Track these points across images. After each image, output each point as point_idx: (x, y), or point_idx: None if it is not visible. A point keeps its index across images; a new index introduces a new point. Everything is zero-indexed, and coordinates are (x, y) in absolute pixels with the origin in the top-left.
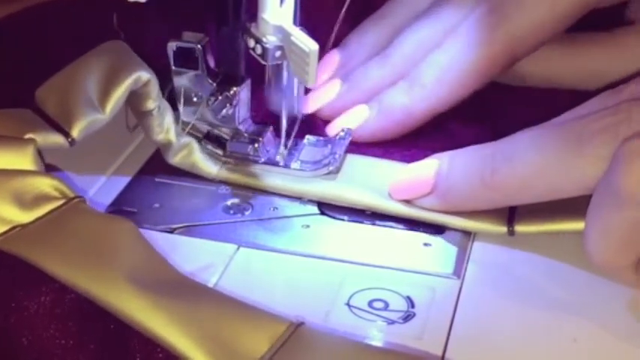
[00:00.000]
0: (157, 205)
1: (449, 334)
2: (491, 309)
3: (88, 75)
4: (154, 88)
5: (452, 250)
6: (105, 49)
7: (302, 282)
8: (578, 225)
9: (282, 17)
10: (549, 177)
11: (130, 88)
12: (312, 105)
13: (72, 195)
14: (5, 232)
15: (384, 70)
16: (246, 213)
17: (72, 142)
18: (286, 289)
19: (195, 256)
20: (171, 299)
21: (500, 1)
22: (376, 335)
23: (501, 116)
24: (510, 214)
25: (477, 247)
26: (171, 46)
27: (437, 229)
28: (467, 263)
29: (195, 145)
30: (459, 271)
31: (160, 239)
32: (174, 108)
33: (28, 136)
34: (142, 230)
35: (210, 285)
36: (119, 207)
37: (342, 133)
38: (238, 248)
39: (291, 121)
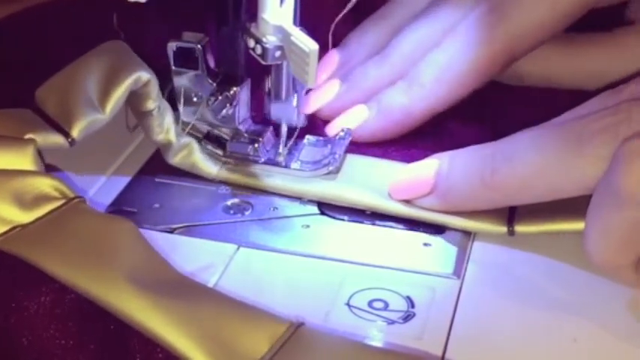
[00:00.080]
0: (157, 205)
1: (449, 334)
2: (491, 309)
3: (88, 75)
4: (154, 88)
5: (452, 250)
6: (105, 49)
7: (302, 282)
8: (578, 225)
9: (282, 17)
10: (549, 177)
11: (130, 88)
12: (311, 105)
13: (72, 195)
14: (5, 233)
15: (382, 70)
16: (246, 213)
17: (72, 142)
18: (286, 289)
19: (195, 256)
20: (171, 299)
21: (499, 0)
22: (376, 335)
23: (501, 116)
24: (510, 214)
25: (477, 247)
26: (171, 46)
27: (437, 229)
28: (467, 263)
29: (195, 145)
30: (459, 271)
31: (159, 239)
32: (175, 108)
33: (28, 136)
34: (142, 230)
35: (210, 285)
36: (119, 207)
37: (341, 133)
38: (238, 248)
39: (292, 128)
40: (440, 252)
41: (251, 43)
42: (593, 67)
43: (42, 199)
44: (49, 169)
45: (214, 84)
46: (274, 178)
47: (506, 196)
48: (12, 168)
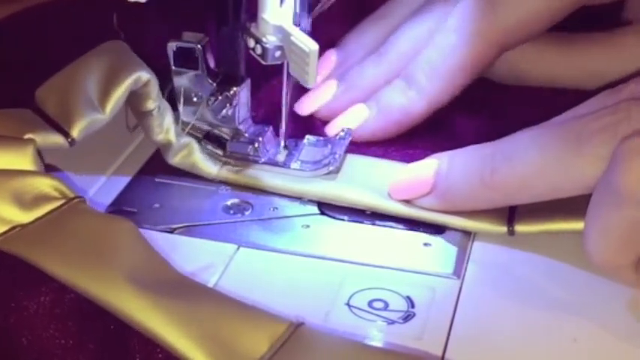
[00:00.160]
0: (157, 205)
1: (449, 334)
2: (491, 309)
3: (88, 75)
4: (154, 88)
5: (452, 250)
6: (105, 49)
7: (302, 282)
8: (578, 225)
9: (282, 17)
10: (549, 176)
11: (129, 88)
12: (309, 106)
13: (72, 195)
14: (5, 232)
15: (380, 69)
16: (246, 213)
17: (72, 142)
18: (286, 289)
19: (195, 256)
20: (171, 299)
21: None
22: (376, 335)
23: (501, 116)
24: (510, 214)
25: (477, 247)
26: (171, 46)
27: (437, 229)
28: (467, 263)
29: (195, 145)
30: (459, 271)
31: (159, 239)
32: (174, 108)
33: (27, 136)
34: (141, 230)
35: (210, 285)
36: (119, 207)
37: (342, 133)
38: (238, 248)
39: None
40: (440, 252)
41: (251, 43)
42: (592, 67)
43: (42, 199)
44: (49, 169)
45: (214, 84)
46: (274, 178)
47: (505, 196)
48: (12, 168)
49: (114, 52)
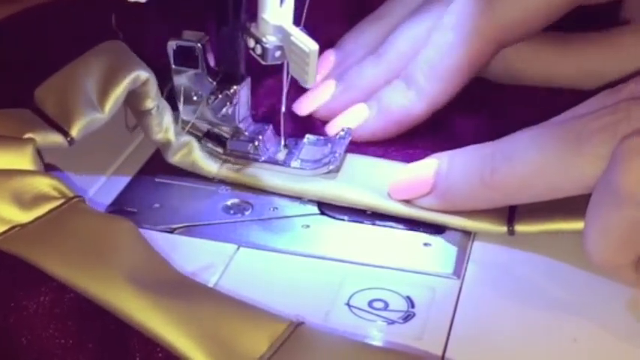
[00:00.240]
0: (157, 205)
1: (449, 334)
2: (491, 309)
3: (87, 74)
4: (153, 87)
5: (452, 250)
6: (103, 49)
7: (302, 282)
8: (577, 224)
9: (282, 17)
10: (549, 176)
11: (128, 87)
12: (308, 106)
13: (71, 195)
14: (4, 232)
15: (379, 69)
16: (246, 213)
17: (71, 142)
18: (286, 289)
19: (195, 256)
20: (170, 299)
21: None
22: (376, 335)
23: (501, 116)
24: (510, 214)
25: (477, 247)
26: (172, 44)
27: (437, 229)
28: (467, 263)
29: (194, 143)
30: (459, 271)
31: (160, 239)
32: (174, 108)
33: (27, 135)
34: (142, 230)
35: (210, 285)
36: (119, 207)
37: (342, 133)
38: (238, 248)
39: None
40: (440, 252)
41: (251, 43)
42: (589, 67)
43: (41, 198)
44: (49, 169)
45: (214, 83)
46: (274, 178)
47: (505, 196)
48: (11, 168)
49: (112, 51)
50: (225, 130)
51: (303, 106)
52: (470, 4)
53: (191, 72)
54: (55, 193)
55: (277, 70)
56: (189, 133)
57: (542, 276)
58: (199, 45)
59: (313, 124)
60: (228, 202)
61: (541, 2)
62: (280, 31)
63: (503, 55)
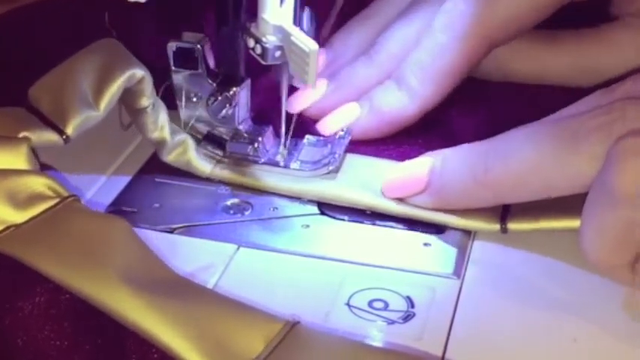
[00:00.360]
0: (156, 205)
1: (449, 334)
2: (491, 309)
3: (82, 72)
4: (148, 85)
5: (452, 250)
6: (98, 47)
7: (302, 282)
8: (570, 223)
9: (282, 17)
10: (544, 174)
11: (124, 84)
12: (299, 104)
13: (66, 194)
14: None
15: (371, 70)
16: (246, 213)
17: (66, 140)
18: (286, 289)
19: (195, 256)
20: (166, 299)
21: None
22: (376, 335)
23: (496, 114)
24: (503, 212)
25: (477, 247)
26: (171, 46)
27: (437, 229)
28: (467, 263)
29: (190, 142)
30: (459, 271)
31: (159, 239)
32: (169, 106)
33: (22, 134)
34: (142, 230)
35: (210, 285)
36: (119, 207)
37: (341, 133)
38: (238, 248)
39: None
40: (440, 252)
41: (251, 43)
42: (583, 63)
43: (36, 198)
44: (44, 168)
45: (214, 84)
46: (274, 178)
47: (499, 194)
48: (6, 167)
49: (108, 49)
50: (224, 132)
51: (295, 104)
52: (462, 4)
53: (191, 73)
54: (50, 192)
55: (277, 70)
56: (189, 134)
57: (543, 276)
58: (199, 46)
59: (313, 125)
60: (228, 202)
61: (530, 2)
62: (280, 31)
63: (494, 53)
